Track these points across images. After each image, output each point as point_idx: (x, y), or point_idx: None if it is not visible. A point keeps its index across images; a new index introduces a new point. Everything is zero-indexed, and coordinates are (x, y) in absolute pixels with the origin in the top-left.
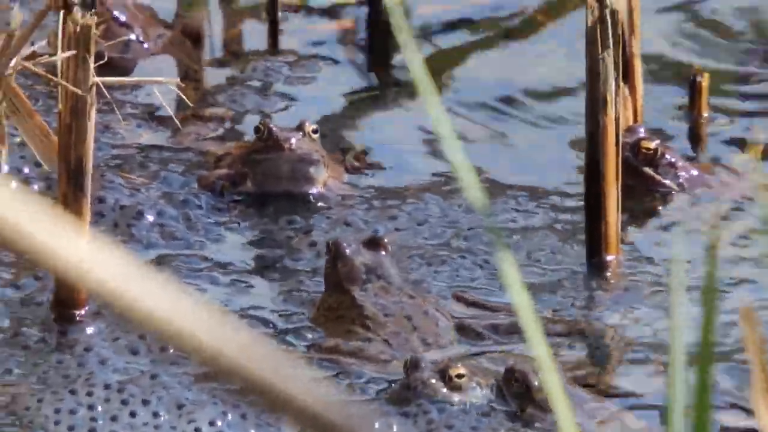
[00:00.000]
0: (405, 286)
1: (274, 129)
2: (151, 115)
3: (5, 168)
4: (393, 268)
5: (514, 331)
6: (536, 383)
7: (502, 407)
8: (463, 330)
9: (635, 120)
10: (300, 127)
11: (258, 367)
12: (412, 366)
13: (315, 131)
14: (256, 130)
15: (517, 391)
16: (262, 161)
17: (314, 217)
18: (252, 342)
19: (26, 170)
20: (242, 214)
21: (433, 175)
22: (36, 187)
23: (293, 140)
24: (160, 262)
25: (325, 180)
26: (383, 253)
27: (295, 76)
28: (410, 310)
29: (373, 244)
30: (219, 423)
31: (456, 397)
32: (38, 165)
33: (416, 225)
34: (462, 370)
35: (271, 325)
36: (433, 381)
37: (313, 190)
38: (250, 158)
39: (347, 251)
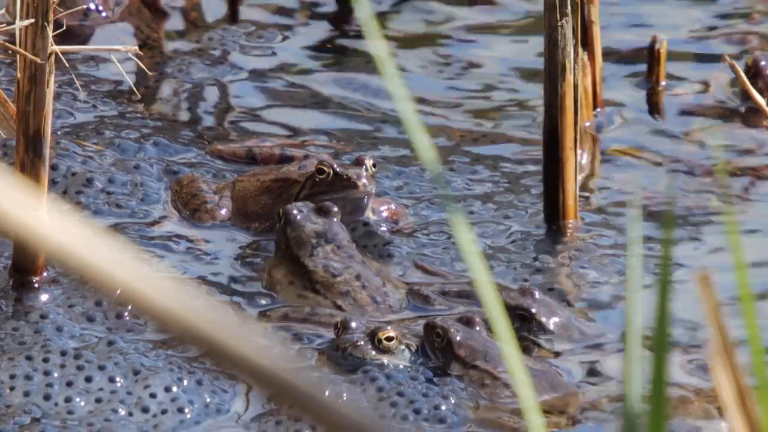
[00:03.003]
0: (354, 250)
1: (339, 170)
2: (110, 83)
3: None
4: (343, 232)
5: (464, 295)
6: (457, 338)
7: (428, 366)
8: (412, 295)
9: (594, 86)
10: (360, 163)
11: (215, 332)
12: (343, 328)
13: (374, 165)
14: (320, 171)
15: (439, 347)
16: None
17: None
18: (209, 308)
19: None
20: None
21: (392, 146)
22: None
23: (363, 180)
24: (109, 229)
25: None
26: (334, 219)
27: (253, 45)
28: (359, 271)
29: (324, 210)
30: (174, 389)
31: (384, 359)
32: None
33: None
34: (391, 333)
35: (225, 292)
36: (362, 343)
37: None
38: (315, 198)
39: (297, 217)
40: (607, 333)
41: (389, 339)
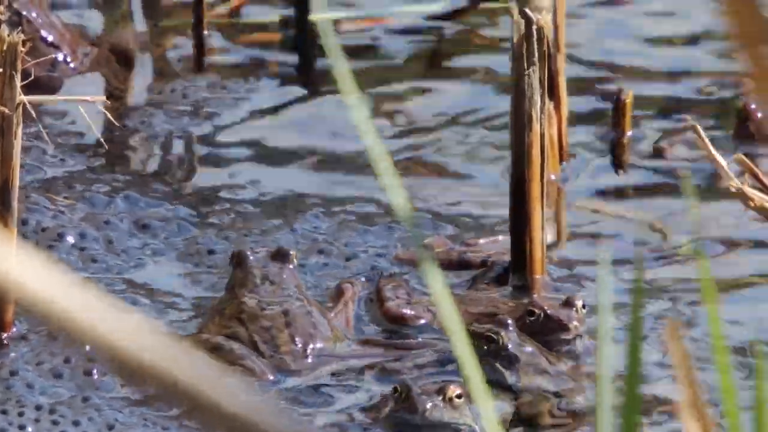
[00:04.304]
0: (299, 294)
1: (550, 311)
2: (77, 135)
3: None
4: (293, 279)
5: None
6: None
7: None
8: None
9: (560, 136)
10: (570, 304)
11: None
12: (406, 392)
13: (584, 306)
14: (530, 313)
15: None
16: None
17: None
18: (192, 362)
19: None
20: (167, 238)
21: (367, 192)
22: None
23: (574, 323)
24: (83, 280)
25: None
26: (289, 266)
27: (220, 95)
28: (291, 309)
29: (280, 255)
30: None
31: (459, 418)
32: None
33: (345, 260)
34: (459, 390)
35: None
36: (439, 404)
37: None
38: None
39: (249, 260)
40: (577, 371)
41: (459, 396)
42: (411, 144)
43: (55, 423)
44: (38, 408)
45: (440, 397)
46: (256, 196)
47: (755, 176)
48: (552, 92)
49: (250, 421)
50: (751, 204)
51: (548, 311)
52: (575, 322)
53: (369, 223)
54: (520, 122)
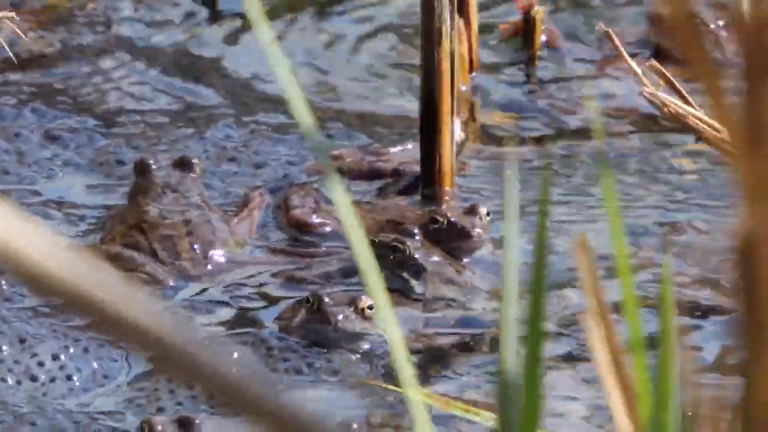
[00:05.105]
0: (201, 202)
1: (453, 219)
2: None
3: None
4: (196, 187)
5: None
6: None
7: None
8: (285, 277)
9: (470, 52)
10: (474, 211)
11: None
12: (318, 302)
13: (488, 214)
14: (434, 221)
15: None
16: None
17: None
18: (95, 273)
19: None
20: (77, 148)
21: (273, 112)
22: None
23: (478, 230)
24: None
25: None
26: (192, 174)
27: (129, 10)
28: (192, 218)
29: (183, 164)
30: (62, 357)
31: (371, 328)
32: None
33: (255, 168)
34: (371, 302)
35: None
36: (351, 315)
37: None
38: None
39: (152, 169)
40: (483, 281)
41: (371, 308)
42: (320, 59)
43: None
44: None
45: (352, 308)
46: (166, 105)
47: (669, 82)
48: (462, 9)
49: (152, 330)
50: (665, 110)
51: (451, 219)
52: (478, 230)
53: (281, 132)
54: (429, 38)
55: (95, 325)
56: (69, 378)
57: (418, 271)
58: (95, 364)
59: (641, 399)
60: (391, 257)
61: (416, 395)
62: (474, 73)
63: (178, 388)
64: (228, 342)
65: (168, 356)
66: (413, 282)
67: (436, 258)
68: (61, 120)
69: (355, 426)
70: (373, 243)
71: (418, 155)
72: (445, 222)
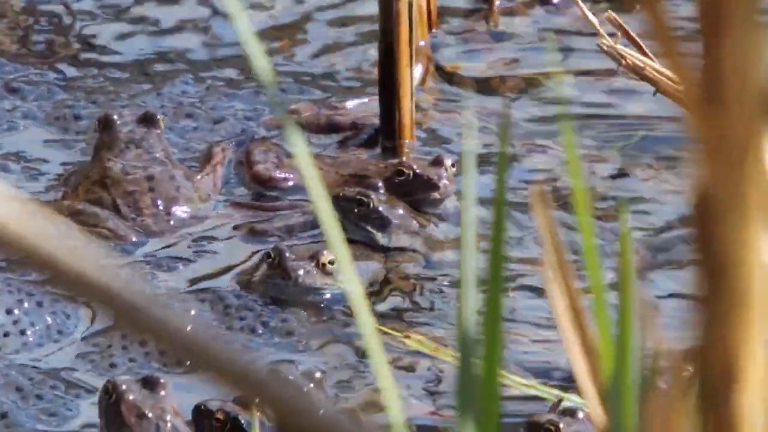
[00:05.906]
0: (165, 158)
1: (419, 171)
2: None
3: None
4: (160, 143)
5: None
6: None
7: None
8: (246, 229)
9: (429, 5)
10: (439, 163)
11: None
12: (279, 256)
13: (453, 165)
14: (400, 173)
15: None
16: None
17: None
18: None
19: None
20: (36, 101)
21: (231, 67)
22: None
23: (444, 181)
24: None
25: None
26: (156, 130)
27: None
28: (155, 173)
29: (147, 119)
30: (16, 311)
31: (331, 283)
32: None
33: (213, 123)
34: (333, 256)
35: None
36: (312, 270)
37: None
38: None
39: (116, 124)
40: (448, 233)
41: (332, 262)
42: (280, 16)
43: None
44: None
45: (313, 263)
46: (123, 60)
47: (626, 34)
48: None
49: (106, 286)
50: (623, 62)
51: (417, 170)
52: (445, 181)
53: (236, 87)
54: None
55: (51, 279)
56: (23, 333)
57: (383, 224)
58: (49, 319)
59: (602, 353)
60: (356, 210)
61: (370, 326)
62: (434, 29)
63: (131, 344)
64: (186, 299)
65: (122, 312)
66: (378, 235)
67: (400, 211)
68: (20, 72)
69: (318, 374)
70: (337, 197)
71: (375, 109)
72: (411, 174)
